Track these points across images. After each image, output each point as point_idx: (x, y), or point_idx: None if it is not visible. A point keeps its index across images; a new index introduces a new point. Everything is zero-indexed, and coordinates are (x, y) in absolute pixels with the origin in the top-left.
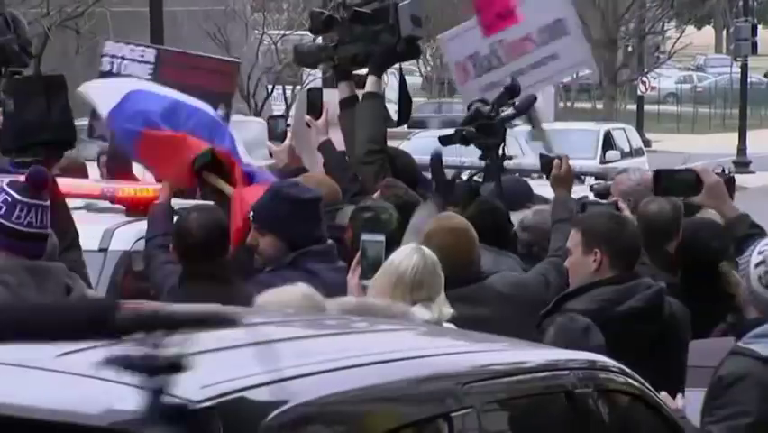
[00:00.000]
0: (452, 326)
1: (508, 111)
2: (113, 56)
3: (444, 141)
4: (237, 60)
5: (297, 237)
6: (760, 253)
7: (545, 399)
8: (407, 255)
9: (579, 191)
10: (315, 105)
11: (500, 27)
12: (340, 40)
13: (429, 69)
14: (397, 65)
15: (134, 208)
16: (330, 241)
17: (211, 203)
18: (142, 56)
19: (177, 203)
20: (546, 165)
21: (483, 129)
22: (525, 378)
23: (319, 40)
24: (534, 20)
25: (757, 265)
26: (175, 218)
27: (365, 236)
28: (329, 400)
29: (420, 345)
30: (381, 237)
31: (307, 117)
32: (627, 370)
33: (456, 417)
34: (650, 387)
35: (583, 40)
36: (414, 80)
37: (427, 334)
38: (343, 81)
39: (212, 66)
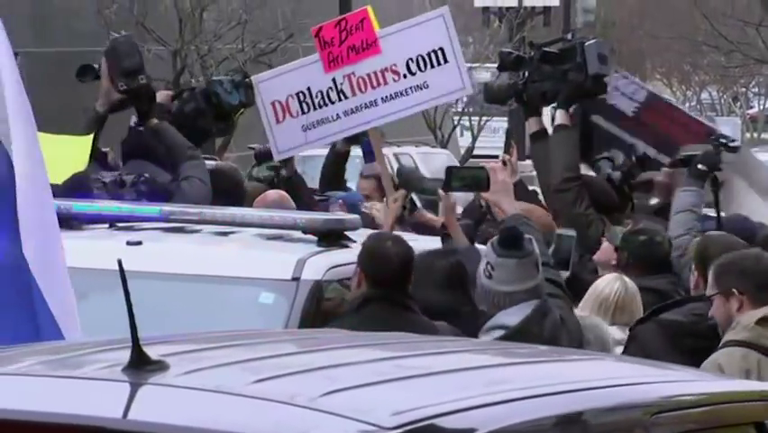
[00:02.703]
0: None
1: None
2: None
3: None
4: (712, 126)
5: None
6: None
7: (735, 430)
8: (610, 282)
9: None
10: (508, 144)
11: (352, 60)
12: (529, 78)
13: None
14: None
15: (325, 239)
16: None
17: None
18: (633, 94)
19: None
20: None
21: None
22: (715, 409)
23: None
24: (400, 51)
25: (483, 263)
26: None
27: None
28: (517, 429)
29: (609, 375)
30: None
31: (505, 156)
32: None
33: None
34: None
35: (463, 67)
36: None
37: (616, 363)
38: (533, 117)
39: (688, 122)
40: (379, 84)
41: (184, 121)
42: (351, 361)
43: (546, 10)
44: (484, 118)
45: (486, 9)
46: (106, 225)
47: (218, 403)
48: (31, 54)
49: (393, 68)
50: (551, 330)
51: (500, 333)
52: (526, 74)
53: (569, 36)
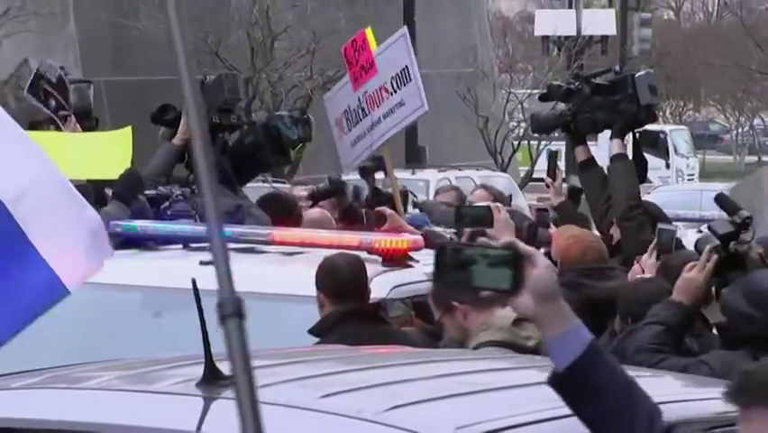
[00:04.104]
0: None
1: None
2: None
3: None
4: None
5: None
6: None
7: None
8: None
9: None
10: (552, 167)
11: (364, 79)
12: (578, 109)
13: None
14: None
15: (390, 258)
16: None
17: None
18: None
19: None
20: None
21: None
22: None
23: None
24: (387, 70)
25: None
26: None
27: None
28: None
29: (664, 391)
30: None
31: (547, 179)
32: None
33: None
34: None
35: (420, 85)
36: None
37: (672, 380)
38: (579, 146)
39: None
40: (380, 102)
41: (242, 152)
42: (413, 377)
43: (603, 39)
44: (543, 143)
45: (545, 38)
46: (180, 246)
47: (288, 417)
48: (111, 82)
49: (385, 86)
50: None
51: None
52: (574, 104)
53: (616, 68)
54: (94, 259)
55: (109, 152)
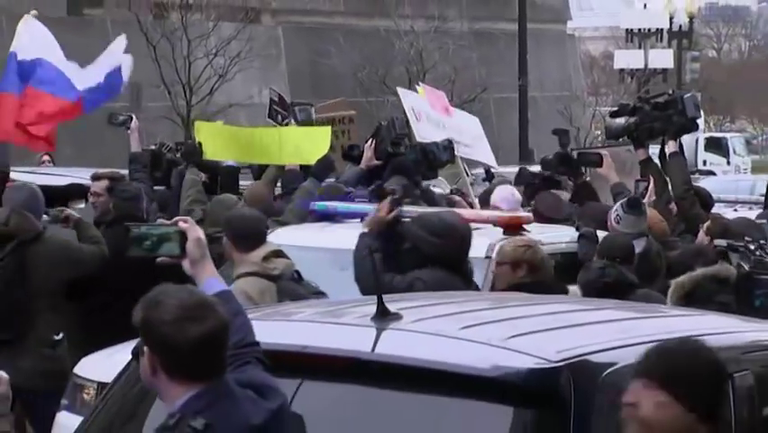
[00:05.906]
0: None
1: None
2: None
3: None
4: None
5: None
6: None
7: None
8: None
9: None
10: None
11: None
12: (641, 121)
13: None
14: None
15: (509, 228)
16: None
17: None
18: None
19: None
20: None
21: None
22: None
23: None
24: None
25: (614, 212)
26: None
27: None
28: None
29: (711, 325)
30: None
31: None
32: None
33: (737, 376)
34: None
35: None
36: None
37: (714, 317)
38: (641, 149)
39: None
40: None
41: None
42: (527, 314)
43: (664, 71)
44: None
45: (622, 70)
46: (358, 220)
47: (437, 343)
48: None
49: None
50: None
51: None
52: (637, 118)
53: (670, 91)
54: None
55: (311, 142)
